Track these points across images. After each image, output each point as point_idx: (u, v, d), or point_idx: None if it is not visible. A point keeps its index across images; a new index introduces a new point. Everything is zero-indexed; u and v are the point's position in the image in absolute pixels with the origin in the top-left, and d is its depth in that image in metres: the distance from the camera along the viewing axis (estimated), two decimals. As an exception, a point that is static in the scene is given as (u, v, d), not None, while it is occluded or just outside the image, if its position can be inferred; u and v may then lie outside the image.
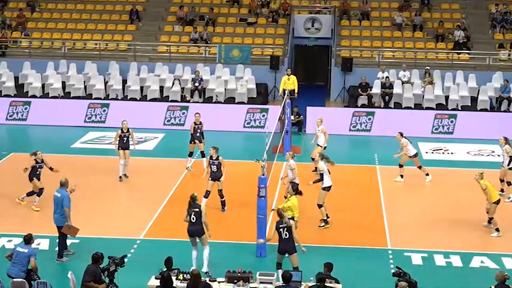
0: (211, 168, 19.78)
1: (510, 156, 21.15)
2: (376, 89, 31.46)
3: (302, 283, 13.87)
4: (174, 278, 13.61)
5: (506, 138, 21.39)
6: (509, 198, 21.24)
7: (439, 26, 34.41)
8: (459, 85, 31.57)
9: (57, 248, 16.90)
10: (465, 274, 16.60)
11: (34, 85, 32.12)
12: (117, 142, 22.66)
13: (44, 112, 29.99)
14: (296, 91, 29.13)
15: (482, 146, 27.07)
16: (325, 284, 13.26)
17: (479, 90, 31.24)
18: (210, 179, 19.84)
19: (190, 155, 23.52)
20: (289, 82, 29.08)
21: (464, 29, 33.85)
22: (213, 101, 31.22)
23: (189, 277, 13.73)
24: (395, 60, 33.40)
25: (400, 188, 22.77)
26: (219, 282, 14.07)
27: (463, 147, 27.47)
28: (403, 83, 31.70)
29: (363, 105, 31.01)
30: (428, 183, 22.83)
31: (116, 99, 31.12)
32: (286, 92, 26.79)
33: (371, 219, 19.96)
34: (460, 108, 30.42)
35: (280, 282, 13.34)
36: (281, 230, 15.30)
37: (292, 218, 16.65)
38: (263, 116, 29.46)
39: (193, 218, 15.91)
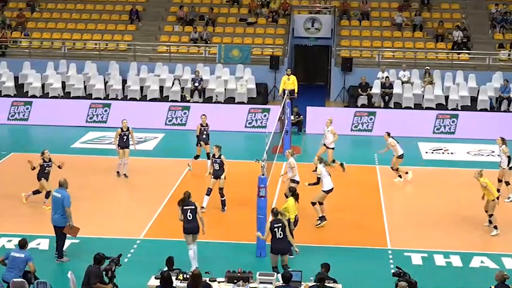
0: (213, 166, 19.93)
1: (508, 156, 21.18)
2: (376, 89, 31.47)
3: (302, 283, 13.86)
4: (174, 278, 13.60)
5: (503, 139, 21.40)
6: (509, 198, 21.26)
7: (439, 26, 34.42)
8: (459, 85, 31.58)
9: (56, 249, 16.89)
10: (465, 274, 16.60)
11: (34, 85, 32.13)
12: (117, 141, 22.71)
13: (46, 112, 30.00)
14: (296, 91, 29.13)
15: (482, 146, 27.06)
16: (325, 284, 13.27)
17: (479, 90, 31.25)
18: (212, 177, 20.01)
19: (197, 157, 23.33)
20: (289, 82, 29.08)
21: (464, 29, 33.86)
22: (213, 101, 31.24)
23: (189, 277, 13.77)
24: (395, 60, 33.41)
25: (400, 188, 22.78)
26: (219, 282, 14.07)
27: (463, 147, 27.47)
28: (403, 83, 31.71)
29: (362, 105, 31.02)
30: (398, 182, 22.82)
31: (116, 99, 31.14)
32: (286, 92, 26.80)
33: (371, 219, 19.96)
34: (459, 108, 30.44)
35: (280, 283, 13.34)
36: (276, 229, 15.36)
37: (288, 220, 16.75)
38: (264, 116, 29.47)
39: (189, 216, 16.02)
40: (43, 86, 32.21)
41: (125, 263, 16.36)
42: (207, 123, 23.16)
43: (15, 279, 13.82)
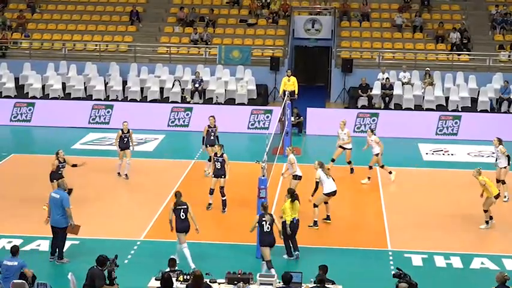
0: (215, 165, 20.04)
1: (507, 156, 21.32)
2: (376, 90, 31.47)
3: (302, 284, 13.86)
4: (174, 279, 13.60)
5: (499, 139, 21.56)
6: (505, 197, 21.28)
7: (439, 27, 34.43)
8: (459, 86, 31.58)
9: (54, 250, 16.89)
10: (465, 275, 16.60)
11: (34, 86, 32.14)
12: (118, 142, 22.74)
13: (48, 113, 30.01)
14: (296, 92, 29.13)
15: (482, 147, 27.06)
16: (325, 285, 13.27)
17: (479, 92, 31.25)
18: (213, 176, 20.12)
19: (210, 159, 22.67)
20: (289, 83, 29.08)
21: (464, 30, 33.86)
22: (213, 102, 31.24)
23: (189, 278, 13.77)
24: (396, 61, 33.41)
25: (400, 189, 22.77)
26: (219, 283, 14.07)
27: (464, 148, 27.47)
28: (403, 84, 31.71)
29: (363, 107, 31.03)
30: (366, 185, 22.84)
31: (117, 100, 31.16)
32: (287, 93, 26.80)
33: (371, 220, 19.97)
34: (460, 110, 30.43)
35: (280, 284, 13.34)
36: (263, 222, 15.70)
37: (284, 223, 16.84)
38: (267, 117, 29.47)
39: (182, 215, 16.25)
40: (43, 87, 32.23)
41: (125, 264, 16.38)
42: (215, 125, 22.85)
43: (15, 281, 13.80)
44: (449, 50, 33.59)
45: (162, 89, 31.94)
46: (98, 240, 17.98)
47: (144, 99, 31.58)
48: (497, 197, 19.18)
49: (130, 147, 22.92)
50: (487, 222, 19.24)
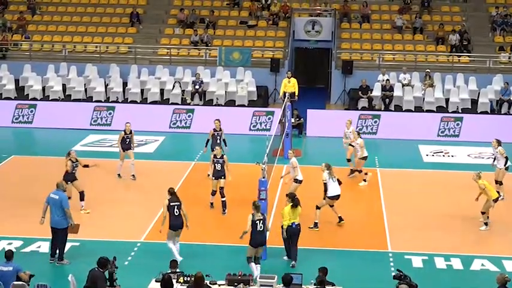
0: (215, 166, 20.14)
1: (505, 157, 21.42)
2: (376, 92, 31.47)
3: (302, 286, 13.85)
4: (174, 281, 13.59)
5: (498, 140, 21.68)
6: (501, 196, 21.31)
7: (439, 28, 34.43)
8: (459, 88, 31.58)
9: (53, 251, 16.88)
10: (466, 277, 16.60)
11: (35, 88, 32.15)
12: (120, 143, 22.72)
13: (50, 115, 30.01)
14: (296, 94, 29.12)
15: (482, 148, 27.03)
16: (325, 287, 13.27)
17: (479, 93, 31.25)
18: (213, 178, 20.20)
19: None
20: (289, 85, 29.07)
21: (464, 32, 33.85)
22: (214, 103, 31.24)
23: (189, 279, 13.77)
24: (396, 62, 33.40)
25: (401, 190, 22.76)
26: (219, 285, 14.07)
27: (464, 149, 27.47)
28: (403, 85, 31.71)
29: (363, 108, 31.03)
30: (366, 186, 22.83)
31: (117, 101, 31.17)
32: (287, 94, 26.81)
33: (371, 222, 19.97)
34: (460, 111, 30.43)
35: (281, 286, 13.34)
36: (257, 222, 15.87)
37: (282, 227, 16.81)
38: (269, 119, 29.48)
39: (176, 212, 16.49)
40: (44, 88, 32.24)
41: (126, 266, 16.38)
42: (220, 128, 22.81)
43: (15, 282, 13.77)
44: (449, 52, 33.59)
45: (162, 91, 31.94)
46: (98, 241, 17.98)
47: (144, 101, 31.59)
48: (496, 200, 19.23)
49: (132, 148, 22.94)
50: (486, 224, 19.25)
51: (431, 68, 32.33)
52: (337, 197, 19.07)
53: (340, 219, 19.38)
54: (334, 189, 18.98)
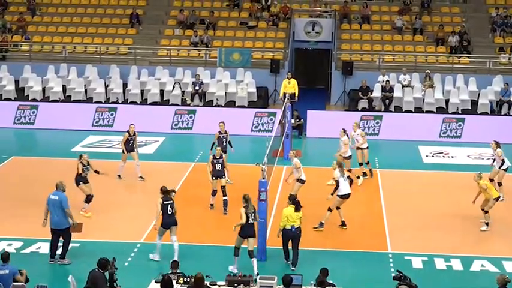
0: (215, 166, 20.28)
1: (502, 160, 21.54)
2: (376, 93, 31.47)
3: (302, 287, 13.85)
4: (174, 282, 13.58)
5: (497, 142, 21.74)
6: (501, 197, 21.33)
7: (439, 29, 34.43)
8: (459, 89, 31.58)
9: (53, 251, 16.87)
10: (466, 278, 16.60)
11: (34, 89, 32.15)
12: (124, 145, 22.69)
13: (52, 116, 29.99)
14: (296, 95, 29.08)
15: (482, 149, 27.03)
16: (325, 287, 13.27)
17: (479, 94, 31.25)
18: (214, 178, 20.33)
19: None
20: (289, 86, 29.06)
21: (464, 33, 33.86)
22: (214, 104, 31.24)
23: (189, 280, 13.77)
24: (396, 63, 33.41)
25: (401, 191, 22.76)
26: (219, 286, 14.07)
27: (464, 150, 27.46)
28: (403, 86, 31.71)
29: (363, 109, 31.03)
30: (364, 186, 22.81)
31: (117, 102, 31.17)
32: (287, 95, 26.81)
33: (371, 222, 19.97)
34: (460, 112, 30.43)
35: (281, 286, 13.34)
36: (249, 215, 16.12)
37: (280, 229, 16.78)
38: (271, 120, 29.48)
39: (169, 210, 16.71)
40: (44, 89, 32.24)
41: (126, 267, 16.38)
42: (226, 131, 22.83)
43: (14, 283, 13.77)
44: (449, 53, 33.58)
45: (162, 92, 31.94)
46: (98, 242, 17.97)
47: (144, 102, 31.58)
48: (497, 199, 19.31)
49: (135, 150, 22.93)
50: (486, 224, 19.29)
51: (431, 69, 32.33)
52: (347, 195, 19.07)
53: (343, 224, 19.33)
54: (344, 188, 19.00)
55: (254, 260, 16.01)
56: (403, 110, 30.93)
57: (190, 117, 29.75)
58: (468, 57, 33.41)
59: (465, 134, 28.94)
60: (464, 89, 31.56)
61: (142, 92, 31.96)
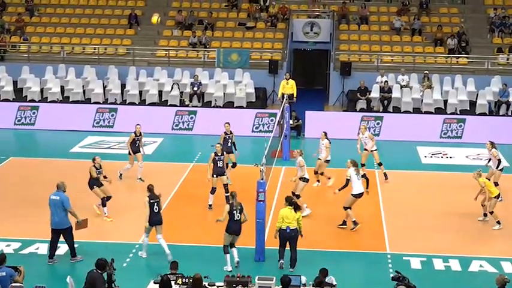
0: (217, 164, 20.46)
1: (498, 160, 21.61)
2: (374, 93, 31.48)
3: (301, 287, 13.84)
4: (172, 283, 13.57)
5: (492, 143, 21.79)
6: (498, 197, 21.33)
7: (438, 30, 34.45)
8: (458, 89, 31.59)
9: (54, 251, 16.85)
10: (464, 278, 16.59)
11: (33, 89, 32.13)
12: (130, 145, 22.65)
13: (52, 117, 29.99)
14: (295, 95, 29.07)
15: (481, 150, 27.02)
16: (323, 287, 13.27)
17: (477, 95, 31.27)
18: (214, 175, 20.46)
19: (227, 166, 22.00)
20: (287, 86, 29.05)
21: (463, 33, 33.87)
22: (212, 105, 31.24)
23: (188, 281, 13.75)
24: (394, 64, 33.43)
25: (399, 192, 22.76)
26: (218, 286, 14.05)
27: (463, 151, 27.47)
28: (401, 87, 31.73)
29: (361, 110, 31.03)
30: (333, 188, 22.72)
31: (116, 103, 31.16)
32: (285, 96, 26.80)
33: (370, 223, 19.95)
34: (458, 113, 30.44)
35: (279, 287, 13.33)
36: (234, 211, 16.39)
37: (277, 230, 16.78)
38: (271, 120, 29.48)
39: (156, 209, 16.95)
40: (42, 90, 32.22)
41: (124, 268, 16.37)
42: (231, 131, 22.83)
43: (13, 284, 13.74)
44: (447, 53, 33.60)
45: (160, 92, 31.94)
46: (96, 243, 17.96)
47: (142, 103, 31.56)
48: (497, 197, 19.36)
49: (141, 151, 22.91)
50: (498, 222, 19.29)
51: (430, 70, 32.35)
52: (360, 195, 19.09)
53: (344, 223, 19.33)
54: (358, 187, 19.01)
55: (234, 250, 16.61)
56: (402, 111, 30.93)
57: (191, 118, 29.74)
58: (466, 57, 33.43)
59: (466, 134, 28.94)
60: (462, 90, 31.58)
61: (140, 92, 31.95)
